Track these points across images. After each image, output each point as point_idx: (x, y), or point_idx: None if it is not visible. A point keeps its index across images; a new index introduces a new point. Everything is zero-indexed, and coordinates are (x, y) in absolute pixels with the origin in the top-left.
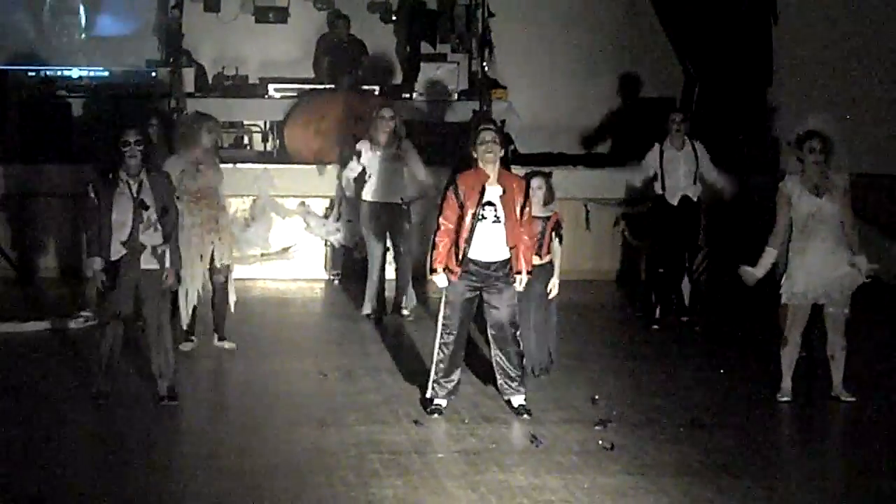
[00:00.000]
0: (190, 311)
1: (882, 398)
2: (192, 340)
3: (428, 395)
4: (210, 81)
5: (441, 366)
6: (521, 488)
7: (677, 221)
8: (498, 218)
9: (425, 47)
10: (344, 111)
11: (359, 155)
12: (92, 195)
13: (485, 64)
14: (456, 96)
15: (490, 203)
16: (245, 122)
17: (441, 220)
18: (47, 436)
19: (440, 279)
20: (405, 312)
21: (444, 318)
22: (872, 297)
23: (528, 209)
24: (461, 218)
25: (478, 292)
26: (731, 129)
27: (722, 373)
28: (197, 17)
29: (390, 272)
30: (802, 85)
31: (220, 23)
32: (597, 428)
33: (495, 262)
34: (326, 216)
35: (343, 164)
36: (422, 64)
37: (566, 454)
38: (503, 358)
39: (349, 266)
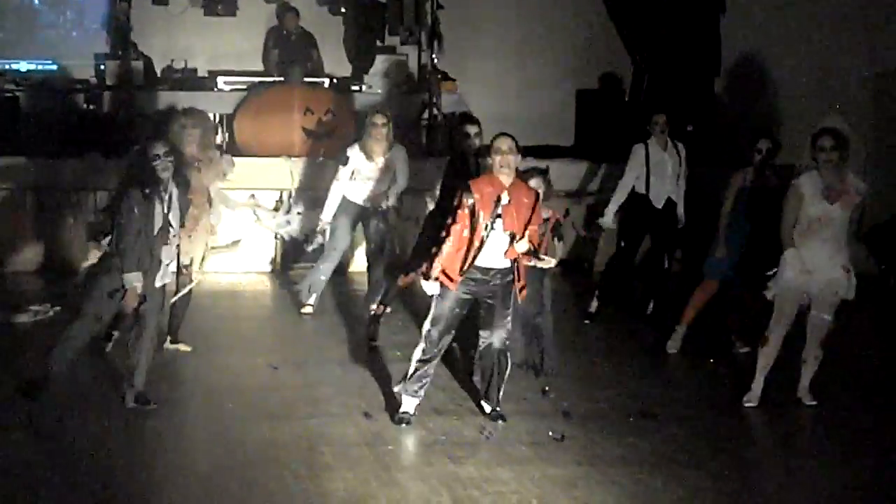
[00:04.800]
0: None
1: (833, 399)
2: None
3: (401, 409)
4: (159, 74)
5: (418, 374)
6: (472, 480)
7: (659, 225)
8: (505, 228)
9: (375, 39)
10: (293, 104)
11: (346, 161)
12: (135, 211)
13: (434, 56)
14: (405, 88)
15: (500, 215)
16: None
17: (453, 228)
18: None
19: (431, 287)
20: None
21: (431, 327)
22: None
23: (532, 225)
24: (473, 229)
25: (470, 299)
26: (680, 120)
27: (672, 365)
28: (145, 10)
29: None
30: (751, 75)
31: (168, 15)
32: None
33: (494, 269)
34: (276, 209)
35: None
36: (374, 56)
37: (516, 446)
38: (485, 371)
39: (299, 259)
